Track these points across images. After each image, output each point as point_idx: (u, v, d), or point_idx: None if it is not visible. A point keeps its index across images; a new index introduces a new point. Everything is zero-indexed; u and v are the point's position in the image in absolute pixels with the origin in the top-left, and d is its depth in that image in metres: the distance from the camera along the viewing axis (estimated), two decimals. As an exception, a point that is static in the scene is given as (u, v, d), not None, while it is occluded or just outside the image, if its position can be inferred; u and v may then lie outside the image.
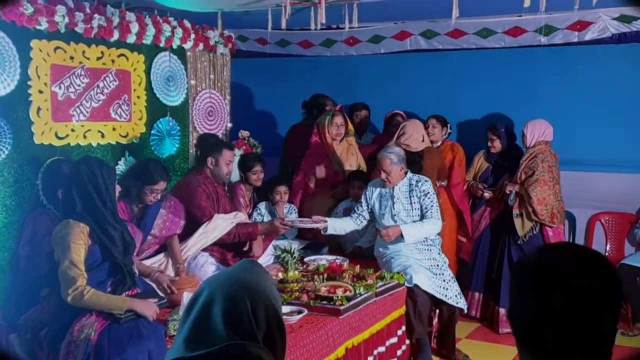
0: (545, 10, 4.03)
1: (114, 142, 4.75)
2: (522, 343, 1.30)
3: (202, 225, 4.53)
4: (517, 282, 1.31)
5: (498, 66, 6.01)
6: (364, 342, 4.02)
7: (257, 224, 4.83)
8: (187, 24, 5.29)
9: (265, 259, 4.84)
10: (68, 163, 4.02)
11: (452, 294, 4.55)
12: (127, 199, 4.16)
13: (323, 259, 4.75)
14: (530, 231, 5.22)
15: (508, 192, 5.25)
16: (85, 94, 4.49)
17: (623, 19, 5.38)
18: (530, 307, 1.26)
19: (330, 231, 4.83)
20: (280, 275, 4.31)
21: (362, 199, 4.85)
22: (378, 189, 4.76)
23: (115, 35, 4.62)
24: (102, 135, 4.66)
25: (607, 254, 5.76)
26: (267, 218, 5.16)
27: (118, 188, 3.56)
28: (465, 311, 4.92)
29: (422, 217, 4.64)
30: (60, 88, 4.31)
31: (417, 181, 4.67)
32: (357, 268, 4.50)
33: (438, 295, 4.51)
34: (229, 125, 5.87)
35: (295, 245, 4.70)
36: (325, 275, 4.32)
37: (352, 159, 5.55)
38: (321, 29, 5.49)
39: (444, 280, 4.57)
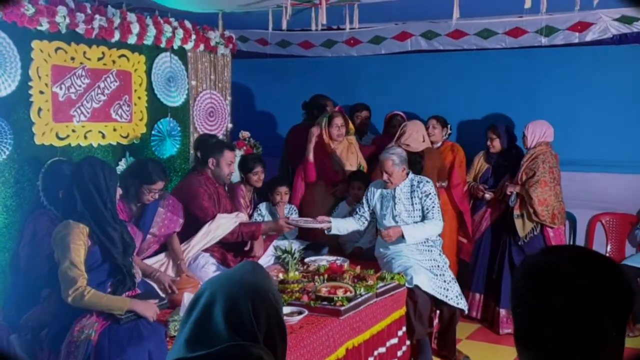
0: (546, 11, 4.04)
1: (114, 143, 4.75)
2: (522, 343, 1.30)
3: (206, 225, 4.53)
4: (517, 282, 1.31)
5: (499, 67, 6.01)
6: (365, 342, 4.02)
7: (261, 223, 4.84)
8: (188, 24, 5.29)
9: (266, 259, 4.83)
10: (69, 164, 4.03)
11: (452, 294, 4.54)
12: (125, 198, 4.15)
13: (323, 260, 4.74)
14: (531, 232, 5.22)
15: (509, 193, 5.25)
16: (86, 94, 4.49)
17: (624, 19, 5.38)
18: (530, 307, 1.26)
19: (334, 231, 4.84)
20: (281, 275, 4.31)
21: (364, 200, 4.85)
22: (380, 190, 4.76)
23: (116, 36, 4.62)
24: (103, 136, 4.65)
25: (607, 254, 5.75)
26: (267, 219, 5.16)
27: (119, 190, 3.56)
28: (466, 312, 4.92)
29: (424, 217, 4.65)
30: (61, 89, 4.30)
31: (418, 182, 4.67)
32: (358, 269, 4.50)
33: (439, 296, 4.51)
34: (230, 125, 5.87)
35: (296, 246, 4.71)
36: (326, 276, 4.32)
37: (353, 158, 5.55)
38: (322, 29, 5.50)
39: (445, 281, 4.57)
